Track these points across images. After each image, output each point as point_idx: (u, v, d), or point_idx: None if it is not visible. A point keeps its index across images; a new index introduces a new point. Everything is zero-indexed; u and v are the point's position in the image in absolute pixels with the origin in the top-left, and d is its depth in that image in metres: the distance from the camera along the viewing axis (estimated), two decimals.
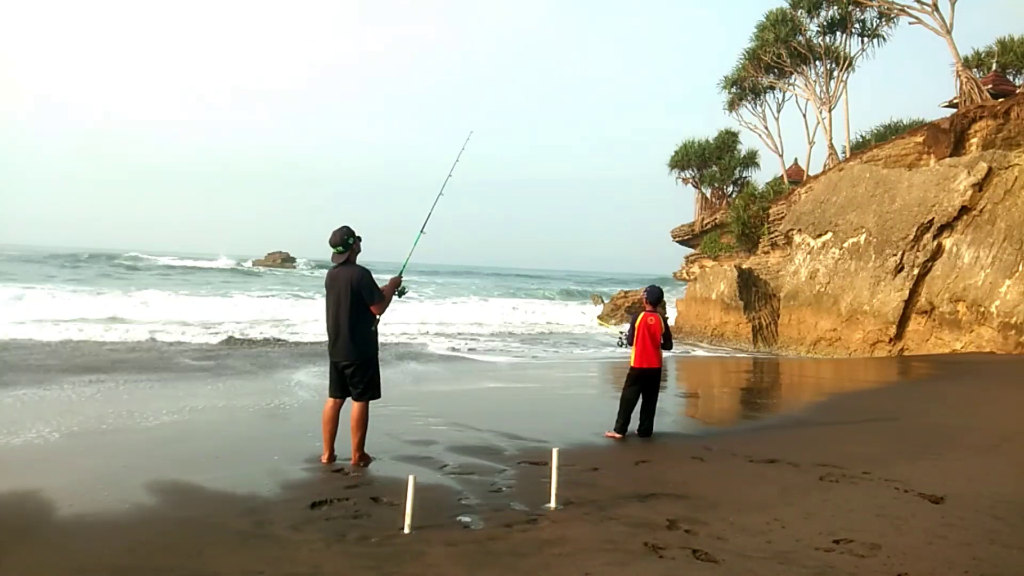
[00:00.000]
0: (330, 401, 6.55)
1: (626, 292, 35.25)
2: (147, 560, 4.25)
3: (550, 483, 5.43)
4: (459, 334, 23.98)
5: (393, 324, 22.02)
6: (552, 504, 5.34)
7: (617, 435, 8.00)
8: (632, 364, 8.16)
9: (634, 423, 8.05)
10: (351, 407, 6.43)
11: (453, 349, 19.18)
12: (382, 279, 6.55)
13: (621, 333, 8.46)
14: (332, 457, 6.51)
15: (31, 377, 11.32)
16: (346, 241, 6.38)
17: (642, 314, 8.21)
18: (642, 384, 8.08)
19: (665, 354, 8.31)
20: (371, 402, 6.53)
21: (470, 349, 19.53)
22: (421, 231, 7.09)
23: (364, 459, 6.50)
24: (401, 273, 6.74)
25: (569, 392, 12.83)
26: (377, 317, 6.46)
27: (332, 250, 6.43)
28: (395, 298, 6.63)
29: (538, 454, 6.88)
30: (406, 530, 4.73)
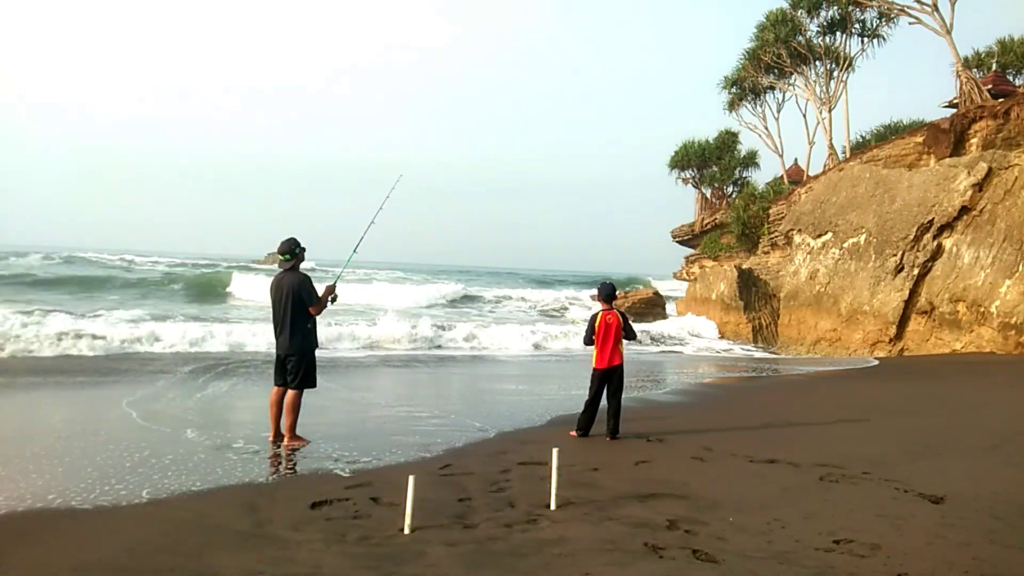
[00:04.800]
0: (275, 388, 7.44)
1: (626, 292, 35.23)
2: (147, 560, 4.25)
3: (550, 483, 5.44)
4: None
5: None
6: (552, 504, 5.34)
7: (574, 433, 8.00)
8: (594, 365, 8.02)
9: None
10: (288, 393, 7.31)
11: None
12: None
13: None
14: (278, 435, 7.30)
15: None
16: (293, 250, 7.42)
17: (600, 313, 8.00)
18: (605, 383, 7.99)
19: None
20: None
21: None
22: (354, 251, 8.24)
23: (296, 440, 7.25)
24: (335, 283, 7.77)
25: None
26: (314, 316, 7.43)
27: (280, 257, 7.45)
28: (329, 303, 7.60)
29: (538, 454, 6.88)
30: (406, 530, 4.73)
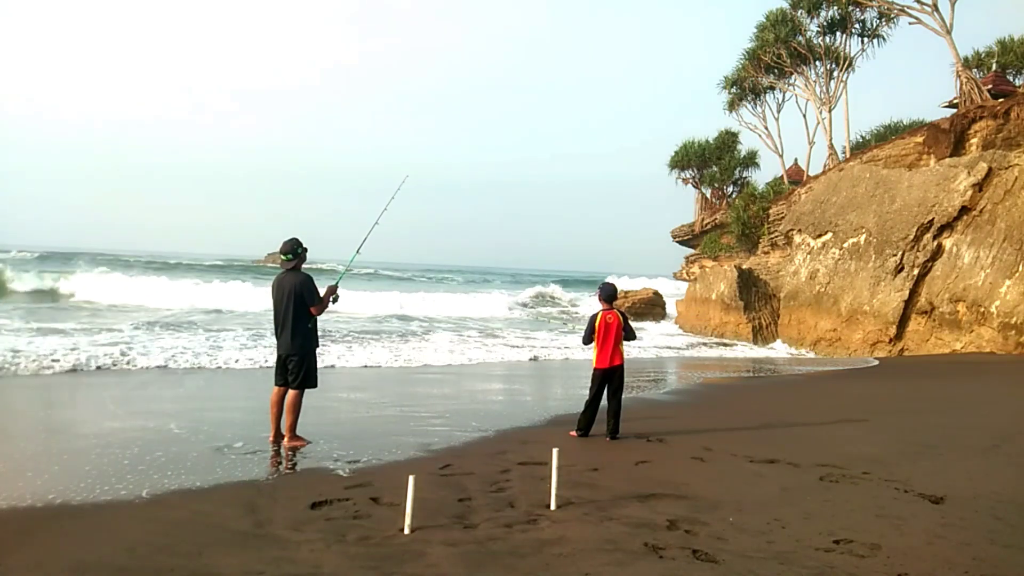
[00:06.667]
0: (275, 388, 7.40)
1: (626, 292, 35.22)
2: (147, 560, 4.24)
3: (550, 483, 5.43)
4: None
5: None
6: (552, 504, 5.34)
7: (574, 433, 7.99)
8: (594, 365, 8.01)
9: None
10: (289, 393, 7.29)
11: None
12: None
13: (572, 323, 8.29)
14: (278, 436, 7.28)
15: None
16: (295, 250, 7.39)
17: (600, 313, 7.99)
18: (606, 383, 7.97)
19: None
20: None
21: None
22: (357, 251, 8.21)
23: (297, 440, 7.24)
24: (337, 283, 7.73)
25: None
26: (315, 316, 7.39)
27: (282, 257, 7.39)
28: (330, 303, 7.59)
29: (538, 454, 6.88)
30: (406, 530, 4.73)
